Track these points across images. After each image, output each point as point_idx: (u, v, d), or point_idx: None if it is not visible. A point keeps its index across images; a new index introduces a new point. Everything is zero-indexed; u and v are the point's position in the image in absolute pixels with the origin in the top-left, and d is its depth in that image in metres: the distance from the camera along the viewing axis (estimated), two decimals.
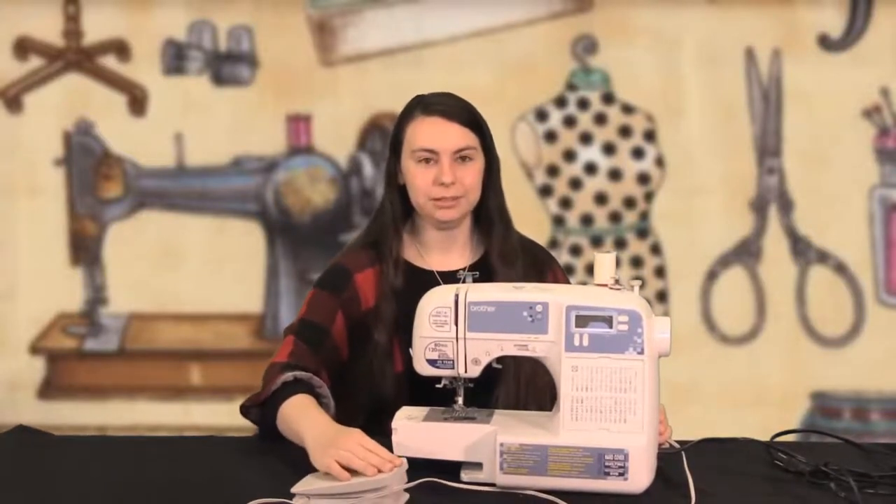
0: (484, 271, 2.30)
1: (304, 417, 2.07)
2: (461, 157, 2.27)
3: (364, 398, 2.30)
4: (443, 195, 2.26)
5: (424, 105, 2.30)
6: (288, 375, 2.16)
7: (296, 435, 2.06)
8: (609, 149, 4.15)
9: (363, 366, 2.29)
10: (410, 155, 2.28)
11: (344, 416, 2.22)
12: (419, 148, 2.27)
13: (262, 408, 2.18)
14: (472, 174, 2.28)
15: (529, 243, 2.42)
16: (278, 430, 2.14)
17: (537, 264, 2.38)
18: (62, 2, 4.17)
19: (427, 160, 2.26)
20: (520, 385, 2.27)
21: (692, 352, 4.08)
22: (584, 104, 4.14)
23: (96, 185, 4.21)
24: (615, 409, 1.91)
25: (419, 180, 2.27)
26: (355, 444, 1.92)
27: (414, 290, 2.08)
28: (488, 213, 2.34)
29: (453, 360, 1.99)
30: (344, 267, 2.34)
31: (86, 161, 4.20)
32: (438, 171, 2.25)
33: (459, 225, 2.34)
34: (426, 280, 2.24)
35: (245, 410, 2.24)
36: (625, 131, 4.14)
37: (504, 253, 2.33)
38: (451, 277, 2.26)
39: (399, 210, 2.34)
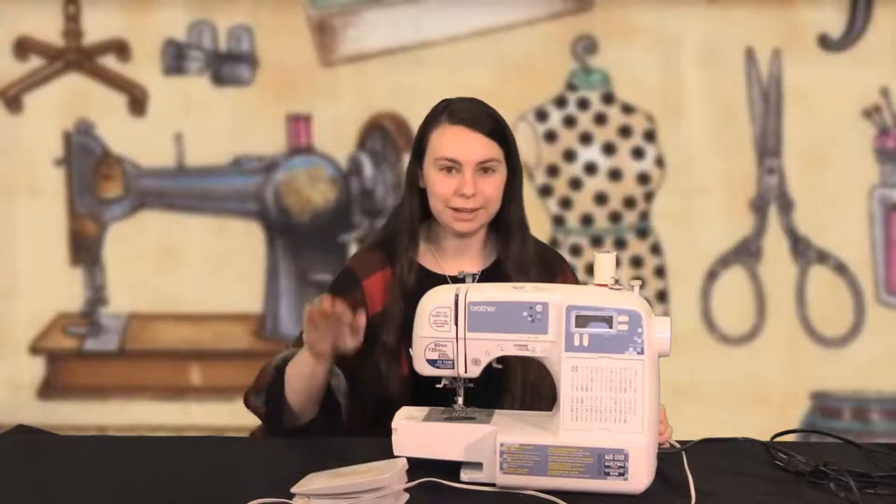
0: (497, 278, 2.30)
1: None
2: (484, 168, 2.26)
3: (370, 399, 2.30)
4: (462, 206, 2.26)
5: (450, 112, 2.29)
6: (285, 352, 2.25)
7: (300, 370, 2.16)
8: (609, 149, 4.15)
9: (370, 367, 2.30)
10: (433, 162, 2.28)
11: (351, 417, 2.24)
12: (442, 157, 2.26)
13: (269, 392, 2.23)
14: (493, 186, 2.28)
15: (540, 247, 2.43)
16: (287, 407, 2.20)
17: (548, 268, 2.38)
18: (62, 2, 4.16)
19: (449, 169, 2.26)
20: (525, 391, 2.28)
21: (692, 352, 4.07)
22: (584, 104, 4.14)
23: (96, 185, 4.21)
24: (615, 409, 1.91)
25: (440, 188, 2.27)
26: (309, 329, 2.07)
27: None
28: (508, 223, 2.34)
29: (453, 360, 1.99)
30: (352, 272, 2.35)
31: (86, 161, 4.20)
32: (460, 182, 2.25)
33: (476, 233, 2.34)
34: (438, 284, 2.24)
35: (247, 399, 2.29)
36: (625, 131, 4.14)
37: (520, 262, 2.33)
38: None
39: (417, 213, 2.34)
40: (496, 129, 2.29)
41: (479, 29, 4.13)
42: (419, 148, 2.32)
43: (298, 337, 2.31)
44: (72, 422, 4.13)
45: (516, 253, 2.34)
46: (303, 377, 2.19)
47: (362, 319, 2.10)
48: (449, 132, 2.27)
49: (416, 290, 2.24)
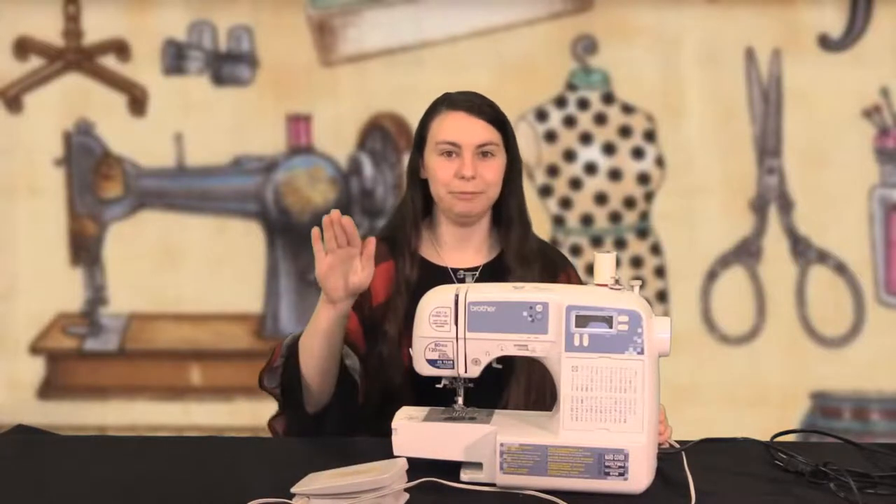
0: (499, 271, 2.32)
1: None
2: (483, 152, 2.30)
3: (374, 389, 2.31)
4: (463, 189, 2.29)
5: (450, 101, 2.34)
6: (294, 333, 2.26)
7: (315, 328, 2.17)
8: (609, 149, 4.15)
9: (374, 357, 2.31)
10: (434, 148, 2.31)
11: (367, 395, 2.28)
12: (442, 141, 2.30)
13: (283, 369, 2.25)
14: (492, 170, 2.30)
15: (543, 245, 2.44)
16: (303, 384, 2.22)
17: (551, 266, 2.39)
18: (62, 2, 4.17)
19: (449, 153, 2.30)
20: (529, 390, 2.28)
21: (692, 352, 4.08)
22: (584, 104, 4.14)
23: (96, 185, 4.21)
24: (615, 408, 1.91)
25: (441, 173, 2.30)
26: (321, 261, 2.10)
27: (428, 285, 2.08)
28: (508, 213, 2.37)
29: (453, 360, 1.99)
30: None
31: (86, 161, 4.20)
32: (460, 165, 2.28)
33: (477, 222, 2.36)
34: (440, 276, 2.26)
35: (261, 381, 2.31)
36: (625, 131, 4.14)
37: (521, 254, 2.35)
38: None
39: (420, 205, 2.37)
40: (495, 116, 2.33)
41: (479, 29, 4.13)
42: (420, 138, 2.36)
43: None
44: (72, 422, 4.13)
45: (517, 244, 2.35)
46: (318, 336, 2.19)
47: (372, 244, 2.12)
48: (449, 118, 2.31)
49: (418, 282, 2.28)
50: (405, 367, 2.28)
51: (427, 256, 2.37)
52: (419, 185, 2.37)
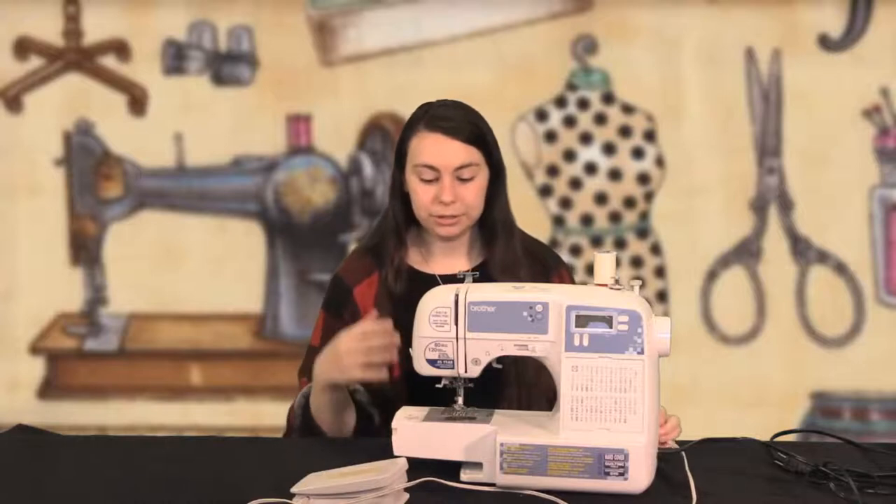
0: (485, 276, 2.30)
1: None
2: (463, 174, 2.26)
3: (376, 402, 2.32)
4: (442, 213, 2.26)
5: (429, 119, 2.28)
6: (305, 389, 2.28)
7: (322, 400, 2.22)
8: (609, 149, 4.15)
9: None
10: (412, 169, 2.28)
11: (384, 423, 2.27)
12: (420, 164, 2.26)
13: (302, 432, 2.28)
14: (472, 192, 2.27)
15: (535, 245, 2.42)
16: (325, 431, 2.26)
17: (540, 268, 2.38)
18: (62, 2, 4.17)
19: (428, 176, 2.26)
20: (521, 390, 2.28)
21: (692, 352, 4.07)
22: (584, 104, 4.14)
23: (96, 185, 4.21)
24: (615, 408, 1.91)
25: (420, 196, 2.27)
26: (350, 342, 2.12)
27: (417, 294, 2.07)
28: (492, 224, 2.34)
29: (453, 360, 1.99)
30: (343, 282, 2.36)
31: (86, 161, 4.20)
32: (439, 190, 2.25)
33: (461, 235, 2.34)
34: (429, 285, 2.24)
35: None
36: (625, 131, 4.14)
37: (505, 263, 2.33)
38: (453, 281, 2.26)
39: (402, 218, 2.34)
40: (474, 134, 2.28)
41: (479, 29, 4.13)
42: (400, 154, 2.32)
43: (305, 359, 2.34)
44: (72, 422, 4.13)
45: (500, 255, 2.34)
46: (327, 403, 2.24)
47: (396, 338, 2.14)
48: (427, 140, 2.26)
49: (406, 292, 2.26)
50: (395, 378, 2.27)
51: (414, 265, 2.35)
52: (400, 198, 2.33)
